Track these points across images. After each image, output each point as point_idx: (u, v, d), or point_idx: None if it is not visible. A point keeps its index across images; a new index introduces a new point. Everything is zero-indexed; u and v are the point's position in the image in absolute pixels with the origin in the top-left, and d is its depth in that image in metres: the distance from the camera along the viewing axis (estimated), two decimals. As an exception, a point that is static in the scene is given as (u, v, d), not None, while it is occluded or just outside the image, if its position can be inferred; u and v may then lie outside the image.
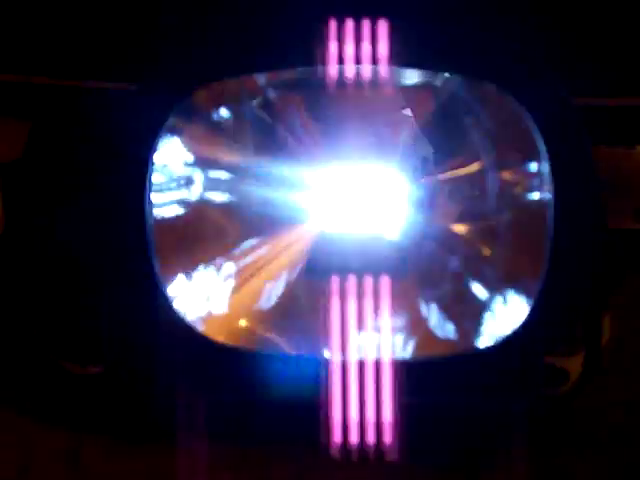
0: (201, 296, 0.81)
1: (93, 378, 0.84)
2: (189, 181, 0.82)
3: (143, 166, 0.75)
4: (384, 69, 0.76)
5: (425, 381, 0.76)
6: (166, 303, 0.76)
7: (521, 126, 0.75)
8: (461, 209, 0.83)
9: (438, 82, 0.79)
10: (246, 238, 0.83)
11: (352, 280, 0.79)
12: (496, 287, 0.80)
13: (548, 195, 0.74)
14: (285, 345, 0.80)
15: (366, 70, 0.77)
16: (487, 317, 0.80)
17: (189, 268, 0.80)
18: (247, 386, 0.77)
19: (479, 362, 0.76)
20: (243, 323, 0.82)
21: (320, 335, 0.78)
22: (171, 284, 0.78)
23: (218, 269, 0.82)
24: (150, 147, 0.75)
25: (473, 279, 0.82)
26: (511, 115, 0.76)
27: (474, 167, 0.81)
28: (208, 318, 0.80)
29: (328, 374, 0.75)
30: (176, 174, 0.81)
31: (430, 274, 0.83)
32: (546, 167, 0.73)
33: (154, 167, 0.76)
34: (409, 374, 0.75)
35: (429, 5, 0.75)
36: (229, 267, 0.82)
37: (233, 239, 0.83)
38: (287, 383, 0.76)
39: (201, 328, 0.78)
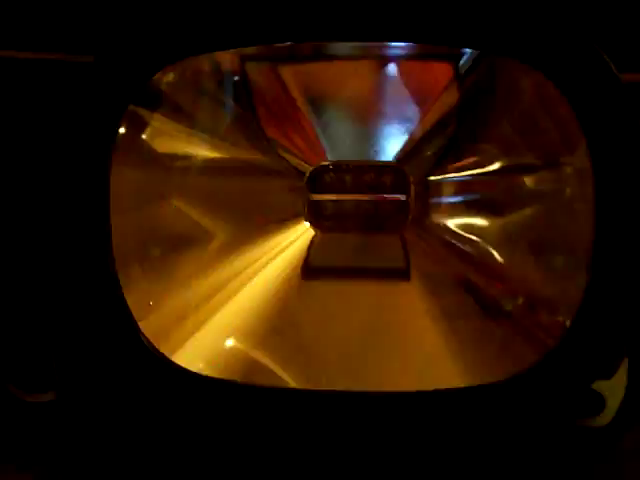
0: (174, 316, 0.68)
1: (44, 407, 0.72)
2: (154, 179, 0.70)
3: (101, 162, 0.62)
4: (391, 45, 0.66)
5: (436, 415, 0.64)
6: (130, 324, 0.64)
7: (556, 112, 0.64)
8: (478, 211, 0.72)
9: (456, 61, 0.67)
10: (228, 244, 0.71)
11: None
12: (519, 301, 0.69)
13: (588, 194, 0.62)
14: (280, 370, 0.68)
15: (368, 46, 0.66)
16: (507, 340, 0.68)
17: (159, 282, 0.69)
18: (231, 425, 0.65)
19: (498, 394, 0.64)
20: (228, 345, 0.69)
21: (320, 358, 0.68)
22: (136, 301, 0.65)
23: (195, 282, 0.70)
24: (108, 139, 0.62)
25: (492, 291, 0.70)
26: (544, 99, 0.65)
27: (496, 163, 0.70)
28: (183, 342, 0.68)
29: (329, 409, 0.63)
30: (139, 171, 0.68)
31: (439, 283, 0.72)
32: (586, 161, 0.61)
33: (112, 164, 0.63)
34: (420, 408, 0.64)
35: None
36: (209, 279, 0.70)
37: (215, 245, 0.71)
38: (281, 421, 0.64)
39: (173, 355, 0.65)
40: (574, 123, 0.60)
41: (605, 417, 0.68)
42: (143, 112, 0.66)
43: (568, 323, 0.63)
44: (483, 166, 0.70)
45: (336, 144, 0.71)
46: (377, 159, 0.71)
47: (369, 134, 0.71)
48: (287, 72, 0.69)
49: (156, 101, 0.67)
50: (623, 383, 0.68)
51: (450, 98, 0.69)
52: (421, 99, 0.70)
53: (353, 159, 0.71)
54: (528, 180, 0.69)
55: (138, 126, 0.66)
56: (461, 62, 0.67)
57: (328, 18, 0.61)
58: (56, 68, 0.66)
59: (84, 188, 0.62)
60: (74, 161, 0.62)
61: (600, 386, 0.67)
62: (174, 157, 0.70)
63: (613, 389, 0.68)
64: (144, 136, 0.67)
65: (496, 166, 0.70)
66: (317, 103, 0.71)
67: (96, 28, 0.65)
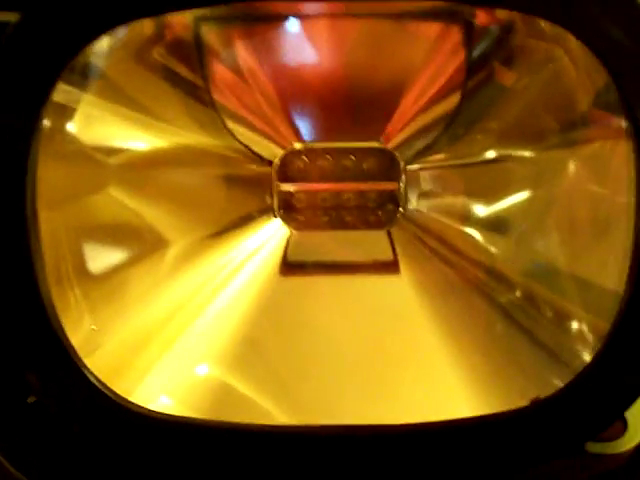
0: (129, 344, 0.58)
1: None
2: (87, 173, 0.59)
3: (20, 153, 0.50)
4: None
5: (444, 452, 0.54)
6: (71, 361, 0.52)
7: (588, 82, 0.54)
8: (469, 200, 0.64)
9: (462, 22, 0.58)
10: (186, 251, 0.62)
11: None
12: (515, 294, 0.61)
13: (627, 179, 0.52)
14: (258, 397, 0.58)
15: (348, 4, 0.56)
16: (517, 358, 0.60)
17: (106, 303, 0.58)
18: (202, 473, 0.53)
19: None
20: (196, 374, 0.60)
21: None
22: (78, 330, 0.55)
23: (151, 301, 0.60)
24: (29, 123, 0.50)
25: (487, 284, 0.62)
26: (566, 75, 0.56)
27: (493, 150, 0.62)
28: (141, 377, 0.57)
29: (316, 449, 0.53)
30: (68, 164, 0.57)
31: (431, 276, 0.65)
32: (625, 143, 0.51)
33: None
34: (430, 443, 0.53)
35: None
36: (167, 296, 0.60)
37: (172, 253, 0.62)
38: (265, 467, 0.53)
39: (131, 394, 0.54)
40: (613, 101, 0.51)
41: (627, 443, 0.60)
42: (70, 91, 0.55)
43: (599, 334, 0.53)
44: (477, 155, 0.64)
45: (309, 124, 0.64)
46: (360, 141, 0.64)
47: (350, 111, 0.64)
48: (248, 37, 0.60)
49: (85, 77, 0.56)
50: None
51: (453, 72, 0.61)
52: (417, 72, 0.61)
53: (330, 141, 0.64)
54: (522, 167, 0.62)
55: (66, 108, 0.55)
56: (471, 27, 0.58)
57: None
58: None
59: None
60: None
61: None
62: (110, 146, 0.60)
63: (636, 412, 0.59)
64: (73, 121, 0.56)
65: (491, 155, 0.63)
66: (285, 74, 0.62)
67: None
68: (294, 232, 0.65)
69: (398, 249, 0.65)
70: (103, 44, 0.54)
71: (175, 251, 0.62)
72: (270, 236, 0.65)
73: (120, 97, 0.59)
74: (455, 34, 0.59)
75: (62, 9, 0.49)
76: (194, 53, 0.60)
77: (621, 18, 0.49)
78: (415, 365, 0.61)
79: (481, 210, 0.64)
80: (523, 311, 0.60)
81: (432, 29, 0.59)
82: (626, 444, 0.60)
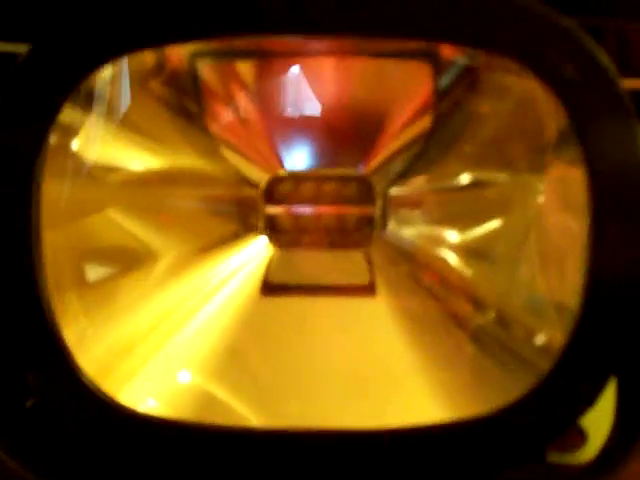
0: (118, 348, 0.61)
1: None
2: (87, 191, 0.62)
3: (27, 171, 0.53)
4: (357, 40, 0.58)
5: (409, 456, 0.56)
6: (66, 361, 0.55)
7: (542, 119, 0.58)
8: (444, 225, 0.67)
9: (433, 61, 0.61)
10: (175, 264, 0.64)
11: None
12: (489, 316, 0.64)
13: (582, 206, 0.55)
14: (238, 404, 0.61)
15: (332, 42, 0.59)
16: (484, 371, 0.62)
17: (98, 309, 0.61)
18: (185, 472, 0.56)
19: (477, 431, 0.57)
20: (181, 379, 0.62)
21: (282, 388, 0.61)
22: (73, 333, 0.57)
23: (140, 309, 0.62)
24: (36, 144, 0.53)
25: (461, 306, 0.65)
26: (533, 102, 0.58)
27: (464, 176, 0.65)
28: (129, 378, 0.60)
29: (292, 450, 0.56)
30: (69, 182, 0.59)
31: (406, 298, 0.66)
32: (574, 170, 0.55)
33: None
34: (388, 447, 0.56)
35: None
36: (156, 305, 0.63)
37: (161, 266, 0.64)
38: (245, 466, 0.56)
39: (119, 394, 0.57)
40: (568, 131, 0.55)
41: (586, 453, 0.62)
42: (75, 114, 0.58)
43: (556, 346, 0.56)
44: (451, 179, 0.65)
45: (294, 152, 0.66)
46: (340, 167, 0.66)
47: (331, 141, 0.66)
48: (240, 70, 0.63)
49: (89, 101, 0.59)
50: (609, 416, 0.62)
51: (423, 102, 0.64)
52: (391, 103, 0.64)
53: (313, 168, 0.66)
54: (496, 193, 0.64)
55: (69, 130, 0.58)
56: (438, 62, 0.61)
57: (287, 8, 0.54)
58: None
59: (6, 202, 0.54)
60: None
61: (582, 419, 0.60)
62: (109, 166, 0.62)
63: (597, 422, 0.62)
64: (75, 142, 0.59)
65: (465, 179, 0.65)
66: (271, 107, 0.65)
67: (30, 14, 0.57)
68: (277, 251, 0.66)
69: (375, 272, 0.66)
70: (106, 72, 0.58)
71: (164, 264, 0.64)
72: (255, 254, 0.66)
73: (120, 121, 0.61)
74: (425, 67, 0.61)
75: (68, 41, 0.53)
76: (190, 84, 0.63)
77: (573, 55, 0.53)
78: (387, 377, 0.63)
79: (456, 234, 0.66)
80: (494, 331, 0.63)
81: (404, 64, 0.62)
82: (586, 454, 0.62)
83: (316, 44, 0.60)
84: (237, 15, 0.54)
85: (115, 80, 0.59)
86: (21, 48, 0.54)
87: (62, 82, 0.53)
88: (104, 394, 0.55)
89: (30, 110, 0.53)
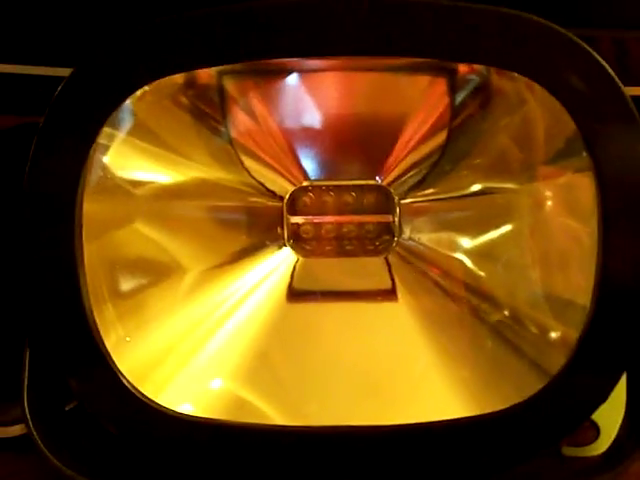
0: (153, 354, 0.63)
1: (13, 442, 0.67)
2: (119, 205, 0.64)
3: (71, 189, 0.57)
4: (373, 58, 0.61)
5: (427, 451, 0.59)
6: (108, 367, 0.59)
7: (553, 130, 0.61)
8: (459, 230, 0.69)
9: (449, 76, 0.64)
10: (204, 274, 0.67)
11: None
12: (504, 314, 0.66)
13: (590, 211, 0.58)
14: (267, 406, 0.63)
15: (352, 59, 0.61)
16: (501, 368, 0.64)
17: (133, 319, 0.63)
18: (219, 467, 0.60)
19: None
20: (213, 383, 0.65)
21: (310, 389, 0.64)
22: (112, 340, 0.60)
23: (172, 317, 0.65)
24: (81, 162, 0.57)
25: (479, 306, 0.67)
26: (542, 112, 0.61)
27: (479, 184, 0.67)
28: (165, 382, 0.63)
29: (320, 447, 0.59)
30: (103, 197, 0.62)
31: (426, 302, 0.68)
32: (586, 178, 0.58)
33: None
34: (416, 442, 0.59)
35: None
36: (187, 313, 0.65)
37: (190, 277, 0.66)
38: (275, 462, 0.59)
39: (157, 396, 0.60)
40: (576, 140, 0.57)
41: (598, 447, 0.65)
42: (108, 131, 0.60)
43: (570, 343, 0.59)
44: (463, 188, 0.68)
45: (316, 164, 0.68)
46: (359, 179, 0.68)
47: (350, 153, 0.68)
48: (264, 86, 0.66)
49: (121, 118, 0.61)
50: (621, 410, 0.65)
51: (439, 116, 0.66)
52: (408, 117, 0.66)
53: (334, 179, 0.68)
54: (505, 199, 0.66)
55: (102, 145, 0.60)
56: (454, 77, 0.64)
57: (311, 32, 0.57)
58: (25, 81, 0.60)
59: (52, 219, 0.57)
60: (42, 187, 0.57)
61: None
62: (138, 181, 0.65)
63: (609, 416, 0.64)
64: (107, 157, 0.61)
65: (477, 188, 0.67)
66: (292, 121, 0.67)
67: (72, 41, 0.60)
68: (301, 259, 0.68)
69: (395, 276, 0.68)
70: (138, 90, 0.59)
71: (192, 276, 0.66)
72: (279, 263, 0.68)
73: (149, 135, 0.63)
74: (440, 83, 0.64)
75: (109, 65, 0.57)
76: (217, 100, 0.65)
77: (579, 65, 0.56)
78: (409, 376, 0.65)
79: (469, 239, 0.67)
80: (510, 328, 0.64)
81: (422, 80, 0.64)
82: (599, 448, 0.65)
83: (335, 61, 0.63)
84: (261, 42, 0.57)
85: (144, 96, 0.60)
86: (64, 72, 0.57)
87: (102, 104, 0.57)
88: (144, 396, 0.58)
89: (72, 131, 0.57)
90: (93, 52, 0.57)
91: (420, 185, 0.68)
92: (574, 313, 0.59)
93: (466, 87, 0.64)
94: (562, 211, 0.63)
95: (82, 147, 0.57)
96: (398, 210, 0.68)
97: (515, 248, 0.66)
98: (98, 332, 0.58)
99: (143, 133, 0.63)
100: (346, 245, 0.69)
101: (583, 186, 0.58)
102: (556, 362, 0.59)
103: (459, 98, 0.65)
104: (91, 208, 0.59)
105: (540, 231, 0.65)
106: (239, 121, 0.66)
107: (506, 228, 0.66)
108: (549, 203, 0.64)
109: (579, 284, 0.59)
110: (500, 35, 0.56)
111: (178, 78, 0.62)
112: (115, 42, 0.56)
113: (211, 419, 0.60)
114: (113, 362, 0.58)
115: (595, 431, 0.65)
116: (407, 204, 0.68)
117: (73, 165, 0.57)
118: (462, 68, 0.62)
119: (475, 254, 0.67)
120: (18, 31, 0.65)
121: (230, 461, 0.59)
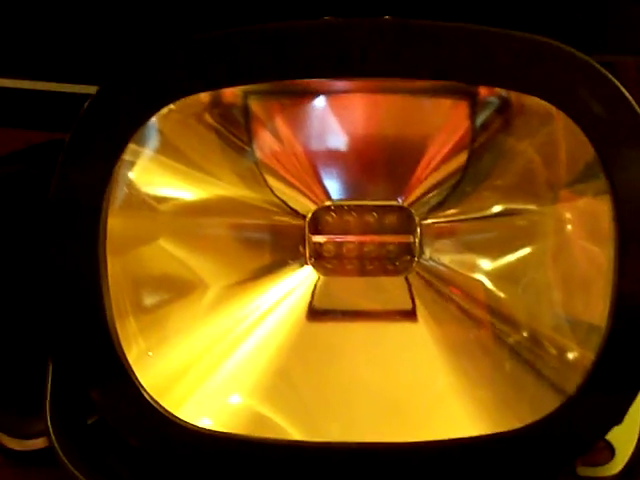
0: (174, 369, 0.64)
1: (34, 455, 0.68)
2: (142, 221, 0.65)
3: (95, 205, 0.58)
4: (396, 80, 0.61)
5: (444, 469, 0.60)
6: (130, 381, 0.59)
7: (573, 154, 0.61)
8: (479, 251, 0.69)
9: (470, 99, 0.64)
10: (225, 291, 0.67)
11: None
12: (523, 335, 0.66)
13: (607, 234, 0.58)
14: (287, 423, 0.64)
15: (375, 81, 0.62)
16: (518, 388, 0.64)
17: (154, 334, 0.64)
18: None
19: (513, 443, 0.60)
20: (233, 399, 0.65)
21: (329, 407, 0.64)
22: (134, 355, 0.61)
23: (193, 333, 0.65)
24: (106, 178, 0.58)
25: (498, 328, 0.67)
26: (561, 136, 0.62)
27: (498, 206, 0.68)
28: (186, 397, 0.63)
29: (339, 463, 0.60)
30: (126, 212, 0.63)
31: (446, 323, 0.68)
32: (604, 202, 0.58)
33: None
34: (433, 460, 0.60)
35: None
36: (207, 329, 0.66)
37: (212, 293, 0.67)
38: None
39: (177, 411, 0.60)
40: (595, 163, 0.58)
41: (613, 467, 0.65)
42: (134, 148, 0.61)
43: (586, 364, 0.59)
44: (484, 210, 0.68)
45: (338, 184, 0.69)
46: (381, 199, 0.69)
47: (372, 174, 0.69)
48: (288, 106, 0.66)
49: (147, 135, 0.62)
50: (636, 431, 0.65)
51: (460, 138, 0.66)
52: (429, 139, 0.67)
53: (356, 199, 0.69)
54: (525, 221, 0.67)
55: (127, 162, 0.62)
56: (475, 100, 0.64)
57: (336, 54, 0.58)
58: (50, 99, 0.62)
59: (77, 234, 0.58)
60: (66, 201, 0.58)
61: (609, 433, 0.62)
62: (163, 197, 0.66)
63: (624, 437, 0.65)
64: (133, 174, 0.63)
65: (497, 209, 0.68)
66: (316, 142, 0.68)
67: (98, 59, 0.61)
68: (322, 278, 0.69)
69: (415, 297, 0.68)
70: (164, 109, 0.60)
71: (213, 292, 0.67)
72: (301, 282, 0.69)
73: (174, 153, 0.64)
74: (462, 105, 0.64)
75: (134, 84, 0.58)
76: (242, 119, 0.66)
77: (599, 92, 0.56)
78: (427, 395, 0.66)
79: (489, 260, 0.68)
80: (528, 349, 0.65)
81: (443, 102, 0.65)
82: (613, 468, 0.65)
83: (360, 83, 0.63)
84: (286, 62, 0.58)
85: (170, 114, 0.61)
86: (90, 89, 0.58)
87: (127, 122, 0.58)
88: (165, 410, 0.59)
89: (98, 147, 0.58)
90: (119, 70, 0.58)
91: (441, 206, 0.68)
92: (591, 335, 0.60)
93: (487, 109, 0.64)
94: (581, 234, 0.64)
95: (107, 163, 0.58)
96: (419, 231, 0.68)
97: (535, 270, 0.66)
98: (120, 346, 0.59)
99: (169, 151, 0.64)
100: (367, 265, 0.70)
101: (601, 209, 0.58)
102: (572, 382, 0.59)
103: (480, 120, 0.65)
104: (116, 223, 0.60)
105: (560, 253, 0.65)
106: (263, 141, 0.67)
107: (527, 250, 0.66)
108: (569, 226, 0.64)
109: (597, 306, 0.59)
110: (520, 59, 0.57)
111: (204, 97, 0.63)
112: (141, 60, 0.58)
113: (230, 434, 0.61)
114: (135, 376, 0.59)
115: (610, 451, 0.65)
116: (428, 225, 0.69)
117: (98, 181, 0.58)
118: (483, 90, 0.63)
119: (495, 276, 0.68)
120: (47, 49, 0.66)
121: (250, 476, 0.60)
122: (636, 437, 0.65)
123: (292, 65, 0.58)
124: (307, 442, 0.62)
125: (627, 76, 0.66)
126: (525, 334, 0.65)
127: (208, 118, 0.65)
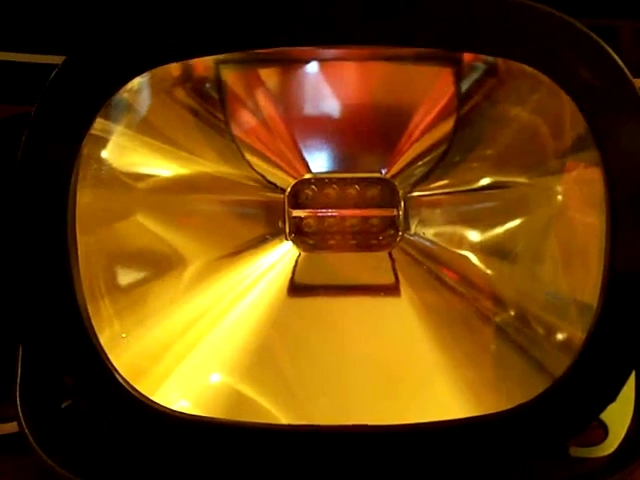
0: (151, 350, 0.62)
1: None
2: (117, 198, 0.63)
3: (63, 181, 0.56)
4: (378, 48, 0.59)
5: (433, 451, 0.58)
6: (102, 363, 0.57)
7: (561, 123, 0.59)
8: (465, 225, 0.67)
9: (454, 66, 0.62)
10: (204, 268, 0.65)
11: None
12: (510, 314, 0.64)
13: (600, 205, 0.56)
14: (268, 404, 0.62)
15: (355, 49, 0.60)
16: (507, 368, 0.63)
17: (131, 314, 0.62)
18: (217, 468, 0.58)
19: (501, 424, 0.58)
20: (212, 379, 0.64)
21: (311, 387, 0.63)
22: (107, 336, 0.59)
23: (171, 312, 0.63)
24: (74, 153, 0.55)
25: (483, 304, 0.65)
26: (552, 105, 0.59)
27: (486, 179, 0.66)
28: (162, 379, 0.61)
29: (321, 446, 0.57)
30: (100, 190, 0.61)
31: (430, 298, 0.67)
32: (596, 172, 0.56)
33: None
34: (418, 442, 0.58)
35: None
36: (186, 308, 0.64)
37: (191, 270, 0.65)
38: (274, 461, 0.58)
39: (153, 394, 0.59)
40: (586, 133, 0.56)
41: (607, 447, 0.64)
42: (104, 123, 0.59)
43: (577, 343, 0.57)
44: (472, 182, 0.66)
45: (318, 156, 0.67)
46: (363, 172, 0.67)
47: (354, 145, 0.67)
48: (263, 76, 0.64)
49: (117, 110, 0.60)
50: (629, 410, 0.63)
51: (444, 105, 0.64)
52: (413, 107, 0.65)
53: (337, 172, 0.67)
54: (515, 193, 0.65)
55: (99, 138, 0.60)
56: (460, 66, 0.62)
57: (315, 20, 0.55)
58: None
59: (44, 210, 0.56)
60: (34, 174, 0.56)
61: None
62: (139, 174, 0.64)
63: (618, 416, 0.63)
64: (106, 150, 0.61)
65: (486, 182, 0.66)
66: (295, 113, 0.66)
67: (65, 28, 0.58)
68: (303, 254, 0.67)
69: (399, 272, 0.67)
70: (134, 83, 0.58)
71: (193, 269, 0.65)
72: (280, 257, 0.67)
73: (148, 129, 0.63)
74: (446, 72, 0.63)
75: (102, 54, 0.55)
76: (215, 92, 0.64)
77: (589, 59, 0.54)
78: (412, 374, 0.64)
79: (477, 234, 0.66)
80: (516, 329, 0.63)
81: (426, 69, 0.63)
82: (607, 449, 0.63)
83: (339, 50, 0.61)
84: (263, 29, 0.55)
85: (142, 89, 0.60)
86: (56, 60, 0.56)
87: (95, 94, 0.55)
88: (139, 394, 0.57)
89: (65, 121, 0.55)
90: (86, 40, 0.55)
91: (428, 178, 0.67)
92: (582, 312, 0.58)
93: (473, 74, 0.62)
94: (573, 207, 0.62)
95: (74, 138, 0.55)
96: (403, 204, 0.67)
97: (524, 245, 0.65)
98: (92, 327, 0.57)
99: (144, 128, 0.62)
100: (349, 239, 0.68)
101: (594, 180, 0.56)
102: (563, 362, 0.57)
103: (465, 85, 0.63)
104: (86, 200, 0.58)
105: (550, 228, 0.63)
106: (239, 115, 0.65)
107: (516, 224, 0.65)
108: (560, 197, 0.62)
109: (587, 282, 0.58)
110: (507, 25, 0.55)
111: (174, 70, 0.61)
112: (108, 30, 0.55)
113: (209, 417, 0.59)
114: (108, 359, 0.57)
115: (603, 431, 0.64)
116: (413, 198, 0.67)
117: (66, 156, 0.55)
118: (467, 56, 0.61)
119: (483, 251, 0.66)
120: (9, 17, 0.63)
121: (230, 461, 0.58)
122: (630, 416, 0.63)
123: (267, 33, 0.55)
124: (290, 425, 0.60)
125: (622, 42, 0.64)
126: (512, 312, 0.64)
127: (181, 93, 0.63)
